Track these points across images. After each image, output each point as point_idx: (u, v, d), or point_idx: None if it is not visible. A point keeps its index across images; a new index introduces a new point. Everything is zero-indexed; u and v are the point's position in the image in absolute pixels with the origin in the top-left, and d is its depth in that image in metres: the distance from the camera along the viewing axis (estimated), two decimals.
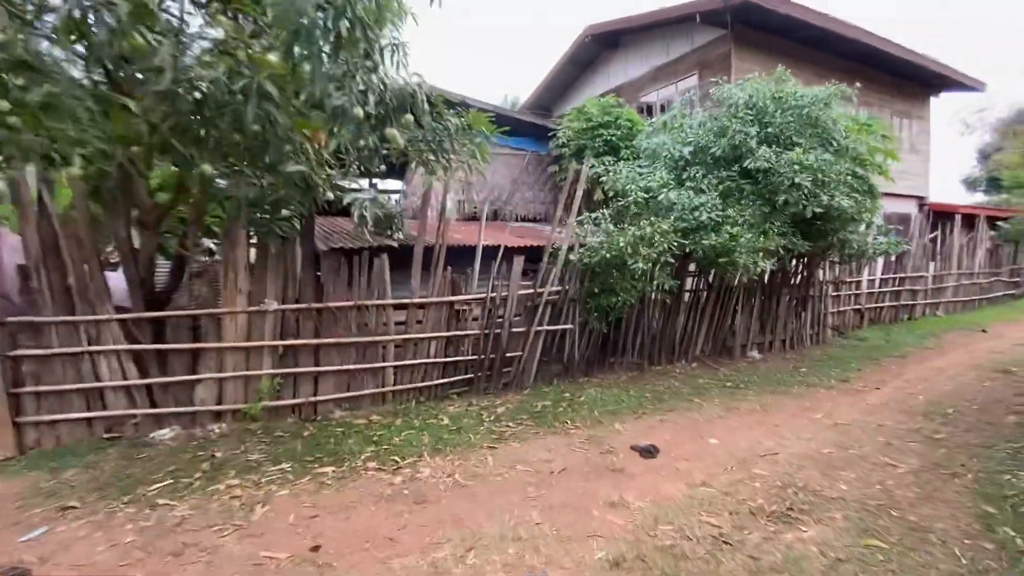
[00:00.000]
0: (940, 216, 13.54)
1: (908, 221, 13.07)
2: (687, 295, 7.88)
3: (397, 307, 5.51)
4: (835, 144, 6.94)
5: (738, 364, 7.84)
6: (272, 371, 5.06)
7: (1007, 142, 32.56)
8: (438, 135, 4.83)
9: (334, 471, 4.09)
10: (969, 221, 14.03)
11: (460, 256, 6.20)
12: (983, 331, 10.43)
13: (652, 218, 6.04)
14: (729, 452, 4.39)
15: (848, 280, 10.21)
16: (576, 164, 7.82)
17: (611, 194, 7.47)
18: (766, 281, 8.44)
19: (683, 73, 12.28)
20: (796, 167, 6.19)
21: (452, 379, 5.94)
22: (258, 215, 4.52)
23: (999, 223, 15.22)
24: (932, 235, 12.60)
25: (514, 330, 6.16)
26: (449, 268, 5.70)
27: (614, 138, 8.66)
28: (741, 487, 3.73)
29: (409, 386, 5.68)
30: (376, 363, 5.43)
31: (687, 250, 6.53)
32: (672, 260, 6.15)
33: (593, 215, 6.48)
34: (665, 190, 6.39)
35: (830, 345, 9.21)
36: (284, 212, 4.49)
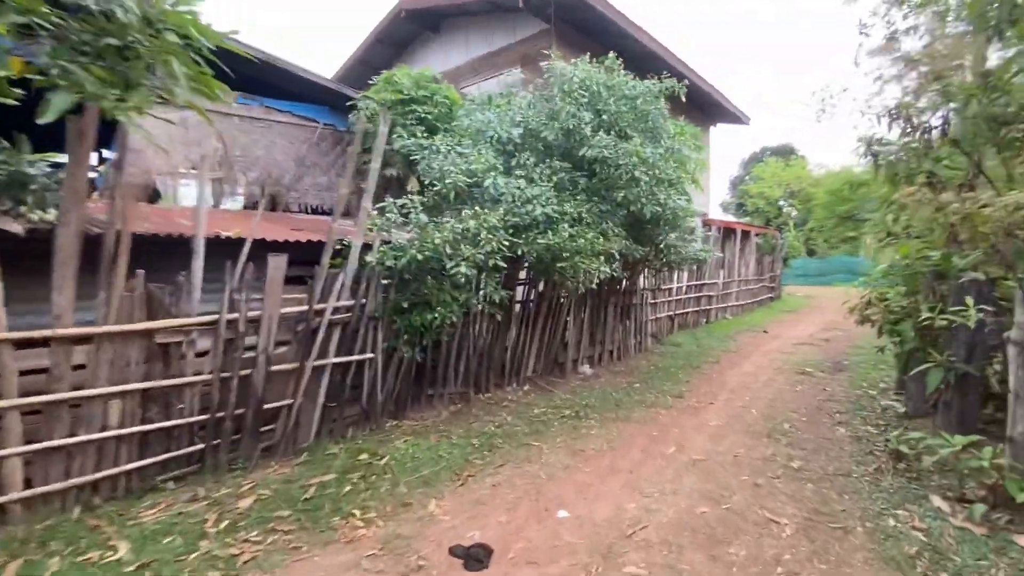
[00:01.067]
0: (724, 231, 15.22)
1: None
2: (518, 307, 6.71)
3: (25, 344, 2.99)
4: (664, 143, 6.46)
5: (572, 382, 6.93)
6: None
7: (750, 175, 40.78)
8: (97, 32, 2.59)
9: None
10: (744, 236, 16.12)
11: (176, 255, 3.88)
12: (765, 331, 11.63)
13: (477, 209, 4.59)
14: (588, 535, 3.08)
15: (664, 287, 10.36)
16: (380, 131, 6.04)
17: (427, 181, 5.86)
18: (595, 290, 7.79)
19: (505, 66, 11.41)
20: (635, 159, 5.40)
21: (162, 458, 3.58)
22: None
23: (750, 238, 17.98)
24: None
25: (277, 368, 4.08)
26: (141, 272, 3.37)
27: (431, 116, 7.12)
28: None
29: (65, 485, 3.17)
30: None
31: (519, 252, 5.26)
32: (503, 264, 4.78)
33: (400, 202, 4.77)
34: (492, 175, 5.02)
35: (652, 353, 9.04)
36: None
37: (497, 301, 5.07)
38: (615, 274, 6.09)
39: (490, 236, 4.43)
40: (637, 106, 6.00)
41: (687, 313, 11.69)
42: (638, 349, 9.06)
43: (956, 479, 3.38)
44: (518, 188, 5.06)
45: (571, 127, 5.61)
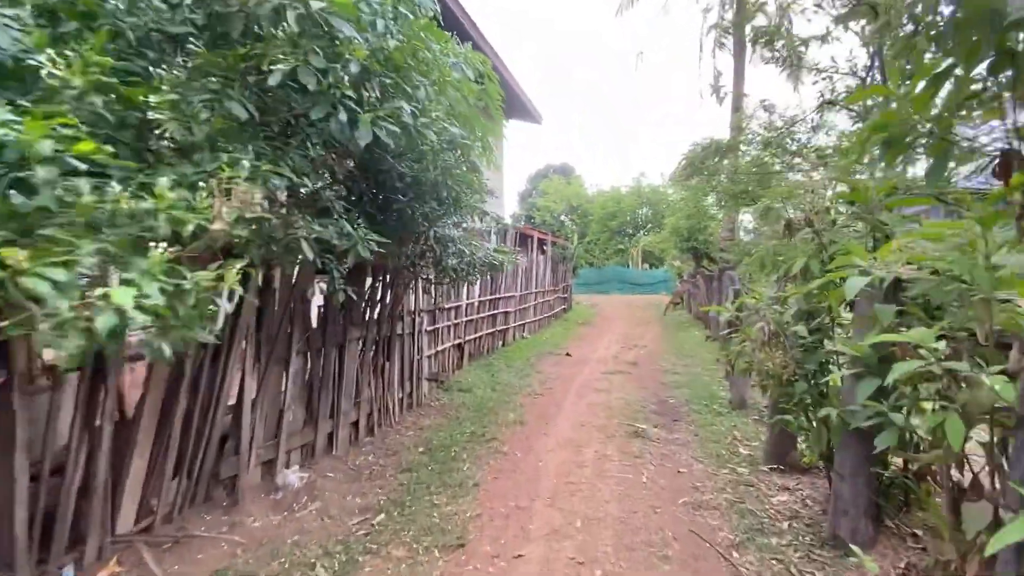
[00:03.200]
0: (520, 237, 13.22)
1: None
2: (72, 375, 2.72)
3: None
4: (432, 54, 3.29)
5: (241, 528, 3.23)
6: None
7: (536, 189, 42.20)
8: None
9: None
10: (540, 244, 14.43)
11: None
12: (568, 354, 9.62)
13: None
14: None
15: (448, 306, 7.32)
16: None
17: None
18: (314, 323, 4.20)
19: None
20: (349, 22, 2.04)
21: None
22: None
23: (545, 247, 16.81)
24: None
25: None
26: None
27: None
28: None
29: None
30: None
31: None
32: None
33: None
34: None
35: (430, 410, 5.88)
36: None
37: None
38: (353, 293, 2.60)
39: None
40: None
41: (480, 337, 8.94)
42: (407, 406, 5.76)
43: None
44: None
45: None
